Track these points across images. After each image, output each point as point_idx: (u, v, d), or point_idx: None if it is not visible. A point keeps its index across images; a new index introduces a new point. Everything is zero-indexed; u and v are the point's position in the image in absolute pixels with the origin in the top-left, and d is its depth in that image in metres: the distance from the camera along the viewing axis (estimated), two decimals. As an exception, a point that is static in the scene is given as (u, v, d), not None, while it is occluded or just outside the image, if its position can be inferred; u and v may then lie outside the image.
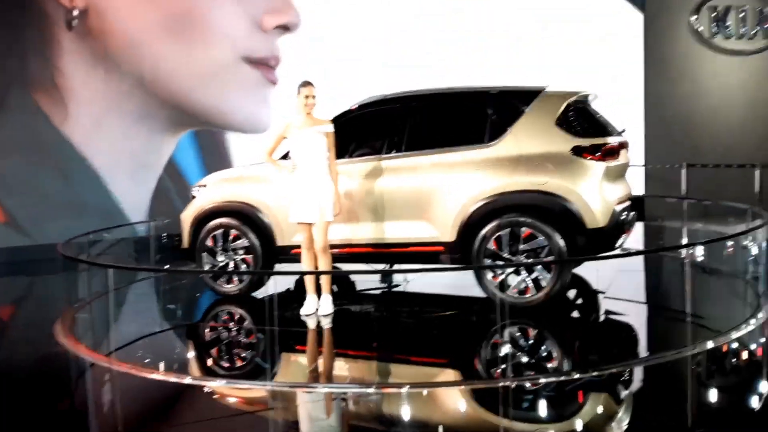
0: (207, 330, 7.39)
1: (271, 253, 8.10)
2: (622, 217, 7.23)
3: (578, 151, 7.04)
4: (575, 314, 7.57)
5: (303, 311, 7.34)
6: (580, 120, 7.31)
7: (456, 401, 5.34)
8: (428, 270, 7.85)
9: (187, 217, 8.50)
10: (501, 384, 5.48)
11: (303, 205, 7.20)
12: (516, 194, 7.12)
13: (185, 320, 8.03)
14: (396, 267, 8.19)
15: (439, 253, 7.37)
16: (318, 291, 7.45)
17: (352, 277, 9.06)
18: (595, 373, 5.52)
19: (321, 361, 6.39)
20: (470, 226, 7.21)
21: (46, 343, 6.79)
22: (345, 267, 8.23)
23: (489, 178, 7.19)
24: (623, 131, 7.82)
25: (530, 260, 7.01)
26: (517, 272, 7.05)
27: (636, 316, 7.60)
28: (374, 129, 7.86)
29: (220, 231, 8.24)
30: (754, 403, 4.98)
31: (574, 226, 6.93)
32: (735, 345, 6.12)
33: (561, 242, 6.96)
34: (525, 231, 7.02)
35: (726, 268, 8.45)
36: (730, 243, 8.33)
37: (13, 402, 5.57)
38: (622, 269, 9.03)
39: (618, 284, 8.49)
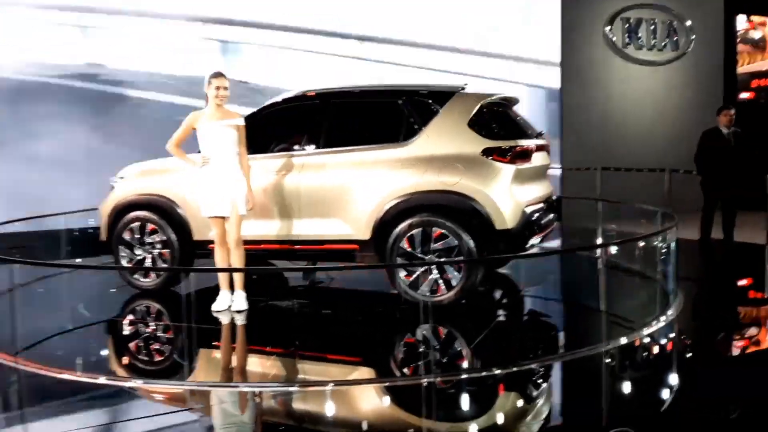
0: (123, 327, 7.23)
1: (188, 247, 7.98)
2: (534, 218, 7.22)
3: (488, 153, 6.98)
4: (496, 312, 7.65)
5: (215, 307, 7.21)
6: (495, 122, 7.28)
7: (371, 399, 5.29)
8: (338, 268, 8.08)
9: (105, 209, 8.32)
10: (417, 381, 5.45)
11: (215, 199, 7.06)
12: (428, 194, 7.04)
13: (99, 317, 7.79)
14: (309, 265, 8.17)
15: (354, 251, 7.31)
16: (232, 287, 7.36)
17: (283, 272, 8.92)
18: (514, 369, 5.54)
19: (235, 359, 6.29)
20: (384, 224, 7.13)
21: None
22: (269, 264, 8.19)
23: (402, 177, 7.09)
24: (541, 134, 7.86)
25: (441, 260, 6.99)
26: (429, 271, 6.97)
27: (554, 314, 7.75)
28: (294, 124, 7.76)
29: (137, 224, 8.09)
30: (665, 395, 5.13)
31: (482, 227, 6.88)
32: (647, 340, 6.24)
33: (471, 242, 6.91)
34: (436, 231, 6.97)
35: (638, 268, 8.65)
36: (641, 243, 8.46)
37: None
38: (542, 269, 9.18)
39: (537, 283, 8.69)
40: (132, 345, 6.69)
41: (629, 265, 8.82)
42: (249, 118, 7.42)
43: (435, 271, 6.99)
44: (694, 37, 15.29)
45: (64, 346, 6.68)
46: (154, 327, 7.21)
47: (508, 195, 6.95)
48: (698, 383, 5.31)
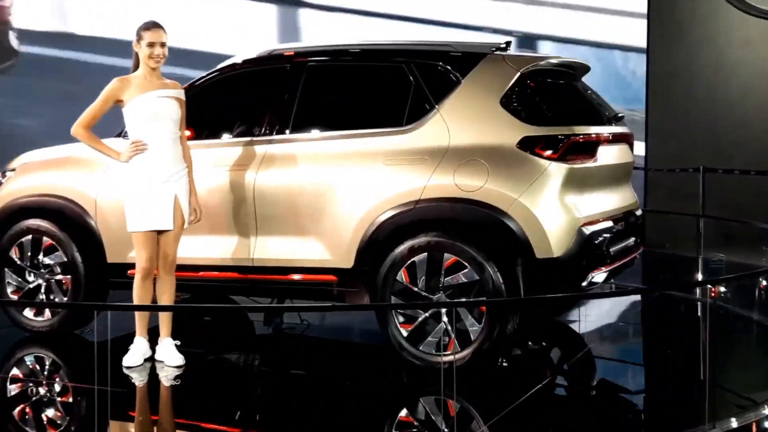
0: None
1: (100, 273, 7.66)
2: (599, 242, 6.75)
3: (529, 145, 6.56)
4: (545, 380, 7.12)
5: (127, 361, 6.87)
6: (544, 100, 6.93)
7: None
8: (306, 309, 7.74)
9: None
10: None
11: (150, 206, 6.75)
12: (438, 203, 6.68)
13: None
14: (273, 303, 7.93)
15: (331, 284, 6.99)
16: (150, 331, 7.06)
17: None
18: None
19: None
20: (374, 246, 6.80)
21: None
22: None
23: (403, 178, 6.76)
24: (620, 117, 7.55)
25: (455, 301, 6.59)
26: (435, 318, 6.60)
27: (633, 385, 7.35)
28: (250, 99, 7.60)
29: (28, 238, 7.74)
30: None
31: (517, 254, 6.52)
32: None
33: (498, 276, 6.50)
34: (448, 258, 6.58)
35: (756, 316, 8.16)
36: (764, 281, 8.00)
37: None
38: (613, 316, 8.78)
39: (608, 338, 8.26)
40: (14, 414, 6.29)
41: (744, 312, 8.33)
42: (187, 91, 7.16)
43: (445, 318, 6.57)
44: None
45: None
46: (45, 391, 6.81)
47: (556, 207, 6.55)
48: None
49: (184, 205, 6.83)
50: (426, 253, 6.63)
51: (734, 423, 5.79)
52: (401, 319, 6.69)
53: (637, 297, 9.58)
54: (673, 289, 9.72)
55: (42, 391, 6.83)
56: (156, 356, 6.96)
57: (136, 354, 6.92)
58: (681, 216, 10.68)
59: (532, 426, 6.01)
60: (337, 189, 6.93)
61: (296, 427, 6.05)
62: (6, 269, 7.80)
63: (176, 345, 6.97)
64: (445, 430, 5.88)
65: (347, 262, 6.88)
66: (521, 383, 6.76)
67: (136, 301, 6.85)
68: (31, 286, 7.74)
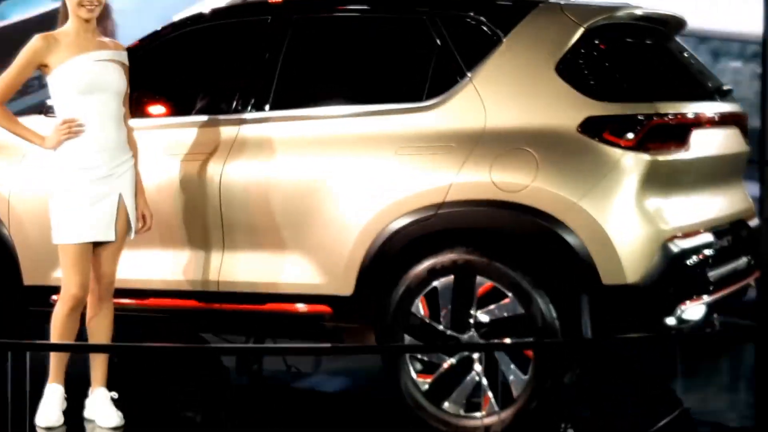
0: None
1: (14, 299, 7.21)
2: (695, 263, 6.00)
3: (595, 128, 5.84)
4: None
5: (42, 420, 6.23)
6: (618, 65, 6.27)
7: None
8: (290, 351, 7.30)
9: None
10: None
11: (84, 210, 6.13)
12: (469, 208, 6.02)
13: None
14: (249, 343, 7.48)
15: (324, 317, 6.35)
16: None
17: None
18: None
19: None
20: (382, 266, 6.17)
21: None
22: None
23: (422, 172, 6.11)
24: (728, 92, 6.89)
25: (491, 342, 5.96)
26: (465, 365, 5.96)
27: None
28: (217, 65, 7.15)
29: None
30: None
31: (577, 280, 5.84)
32: None
33: (549, 310, 5.80)
34: (483, 283, 5.93)
35: None
36: None
37: None
38: (719, 365, 8.23)
39: (710, 395, 7.61)
40: None
41: None
42: (132, 54, 6.60)
43: (478, 366, 5.94)
44: None
45: None
46: None
47: (632, 215, 5.82)
48: None
49: (130, 208, 6.26)
50: (452, 276, 6.03)
51: None
52: (418, 366, 6.11)
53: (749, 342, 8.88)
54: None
55: None
56: (86, 413, 6.34)
57: (51, 408, 6.27)
58: None
59: None
60: (332, 187, 6.36)
61: None
62: None
63: (113, 398, 6.32)
64: None
65: (345, 287, 6.28)
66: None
67: (55, 336, 6.24)
68: None
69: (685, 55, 6.90)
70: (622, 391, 7.53)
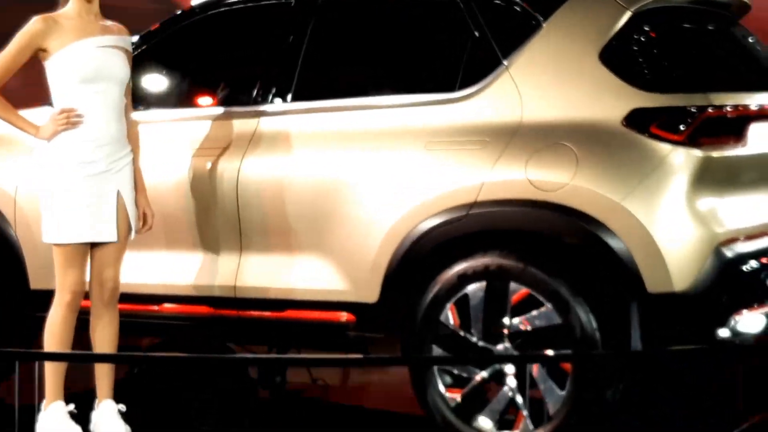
0: None
1: (21, 304, 7.03)
2: (749, 269, 5.71)
3: (641, 121, 5.58)
4: None
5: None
6: (669, 53, 6.01)
7: None
8: (310, 362, 7.18)
9: None
10: None
11: (81, 208, 5.92)
12: (503, 208, 5.80)
13: None
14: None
15: (348, 326, 6.17)
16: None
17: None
18: None
19: None
20: (409, 272, 5.97)
21: None
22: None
23: (453, 168, 5.89)
24: None
25: (526, 355, 5.75)
26: (497, 379, 5.78)
27: None
28: (235, 52, 7.03)
29: None
30: None
31: (621, 287, 5.58)
32: None
33: (589, 319, 5.54)
34: (518, 290, 5.71)
35: None
36: None
37: None
38: None
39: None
40: None
41: None
42: (142, 41, 6.69)
43: (512, 380, 5.73)
44: None
45: None
46: None
47: (682, 217, 5.54)
48: None
49: (130, 205, 6.05)
50: (484, 282, 5.79)
51: None
52: (447, 380, 5.89)
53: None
54: None
55: None
56: (91, 427, 6.04)
57: (59, 426, 6.03)
58: None
59: None
60: (357, 185, 6.17)
61: None
62: None
63: (120, 411, 6.06)
64: None
65: (370, 294, 6.08)
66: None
67: (51, 345, 6.05)
68: None
69: (750, 40, 6.54)
70: (672, 407, 7.24)
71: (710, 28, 6.35)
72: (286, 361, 7.62)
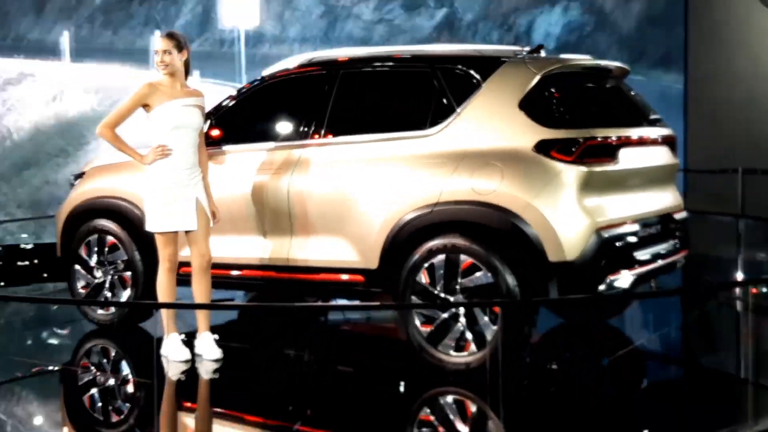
0: (71, 377, 6.25)
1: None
2: (621, 246, 5.72)
3: (545, 148, 5.62)
4: (585, 378, 6.16)
5: (172, 354, 6.17)
6: (568, 102, 5.92)
7: None
8: (332, 308, 6.97)
9: (60, 216, 7.23)
10: None
11: (171, 207, 6.05)
12: (456, 206, 5.78)
13: (43, 363, 6.69)
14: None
15: (359, 284, 6.14)
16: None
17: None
18: None
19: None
20: (396, 248, 5.94)
21: None
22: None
23: (424, 180, 5.90)
24: (657, 120, 6.48)
25: (469, 302, 5.65)
26: (453, 319, 5.73)
27: (675, 384, 6.19)
28: (289, 105, 6.70)
29: (94, 237, 6.97)
30: None
31: (530, 258, 5.58)
32: None
33: (511, 280, 5.58)
34: (465, 260, 5.70)
35: None
36: None
37: None
38: (655, 318, 7.72)
39: (649, 340, 7.18)
40: (75, 404, 5.77)
41: None
42: (232, 98, 6.69)
43: (462, 320, 5.69)
44: None
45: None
46: (105, 380, 6.20)
47: (571, 211, 5.56)
48: None
49: (206, 206, 6.16)
50: (444, 255, 5.78)
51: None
52: (422, 319, 5.83)
53: (672, 299, 8.25)
54: (712, 292, 8.34)
55: (102, 380, 6.24)
56: (195, 350, 6.21)
57: (180, 348, 6.20)
58: (721, 216, 9.52)
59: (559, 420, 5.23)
60: (364, 192, 6.13)
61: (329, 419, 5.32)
62: (76, 266, 7.12)
63: (215, 339, 6.20)
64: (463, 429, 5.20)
65: (372, 263, 6.06)
66: (559, 387, 5.98)
67: (161, 295, 6.20)
68: (97, 281, 7.00)
69: (628, 92, 6.48)
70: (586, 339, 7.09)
71: (596, 86, 6.24)
72: (323, 308, 7.39)
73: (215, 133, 6.54)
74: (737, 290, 7.65)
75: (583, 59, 6.26)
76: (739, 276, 8.48)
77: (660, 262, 6.08)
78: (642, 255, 5.86)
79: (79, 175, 7.37)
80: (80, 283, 7.05)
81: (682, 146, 11.16)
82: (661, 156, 6.27)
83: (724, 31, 11.84)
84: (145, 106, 6.06)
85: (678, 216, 6.43)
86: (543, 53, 6.20)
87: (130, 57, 10.46)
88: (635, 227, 5.87)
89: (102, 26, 10.45)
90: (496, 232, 5.63)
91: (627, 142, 5.81)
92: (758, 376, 5.44)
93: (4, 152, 8.37)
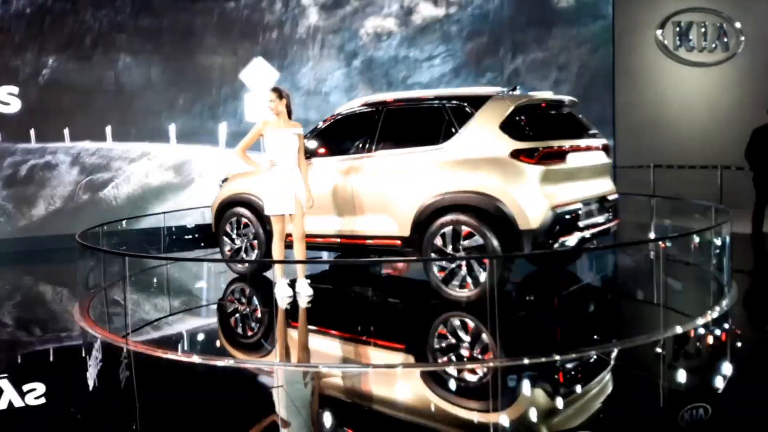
0: (220, 309, 6.11)
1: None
2: (568, 218, 5.38)
3: (515, 155, 5.32)
4: (555, 304, 5.84)
5: (281, 292, 5.90)
6: (531, 124, 5.52)
7: (417, 383, 4.17)
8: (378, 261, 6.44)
9: (214, 206, 7.04)
10: (473, 366, 4.33)
11: (279, 198, 5.83)
12: (458, 194, 5.50)
13: (199, 301, 6.60)
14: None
15: (397, 246, 5.84)
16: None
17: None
18: (573, 356, 4.30)
19: (309, 340, 5.12)
20: (421, 222, 5.66)
21: (66, 326, 5.62)
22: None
23: (438, 177, 5.61)
24: (594, 134, 6.00)
25: (465, 256, 5.39)
26: (458, 267, 5.46)
27: (613, 307, 5.99)
28: (355, 130, 6.28)
29: (234, 219, 6.79)
30: (719, 383, 3.99)
31: (506, 227, 5.29)
32: (702, 330, 4.85)
33: (494, 241, 5.33)
34: (465, 229, 5.44)
35: (693, 261, 6.64)
36: (696, 238, 6.48)
37: (35, 381, 4.29)
38: (602, 265, 7.24)
39: (596, 279, 6.79)
40: (225, 326, 5.66)
41: (684, 259, 6.75)
42: (321, 125, 6.40)
43: (464, 268, 5.43)
44: (743, 39, 11.45)
45: (166, 328, 5.58)
46: (243, 309, 6.03)
47: (533, 195, 5.26)
48: (751, 372, 4.11)
49: (301, 197, 5.88)
50: (452, 227, 5.52)
51: (679, 329, 4.79)
52: (438, 269, 5.55)
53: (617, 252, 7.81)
54: (634, 245, 7.90)
55: (240, 308, 6.06)
56: (296, 289, 5.99)
57: (285, 287, 5.96)
58: (640, 197, 8.92)
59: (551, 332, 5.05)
60: (400, 185, 5.81)
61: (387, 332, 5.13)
62: (224, 237, 6.92)
63: (308, 282, 5.99)
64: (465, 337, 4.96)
65: (406, 232, 5.77)
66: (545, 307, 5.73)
67: (275, 255, 5.97)
68: (237, 247, 6.81)
69: (576, 116, 6.06)
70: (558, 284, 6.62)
71: (553, 113, 5.85)
72: (377, 262, 6.76)
73: (311, 147, 6.26)
74: (651, 245, 7.29)
75: (545, 95, 5.90)
76: (652, 235, 8.05)
77: (598, 228, 5.78)
78: (585, 223, 5.57)
79: (224, 180, 7.21)
80: (226, 248, 6.87)
81: (614, 150, 10.74)
82: (599, 158, 5.92)
83: (639, 75, 11.58)
84: (262, 135, 5.89)
85: (611, 197, 6.04)
86: (518, 91, 5.89)
87: (208, 139, 10.27)
88: (579, 205, 5.55)
89: (192, 118, 10.18)
90: (485, 211, 5.36)
91: (574, 149, 5.52)
92: (666, 302, 5.14)
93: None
